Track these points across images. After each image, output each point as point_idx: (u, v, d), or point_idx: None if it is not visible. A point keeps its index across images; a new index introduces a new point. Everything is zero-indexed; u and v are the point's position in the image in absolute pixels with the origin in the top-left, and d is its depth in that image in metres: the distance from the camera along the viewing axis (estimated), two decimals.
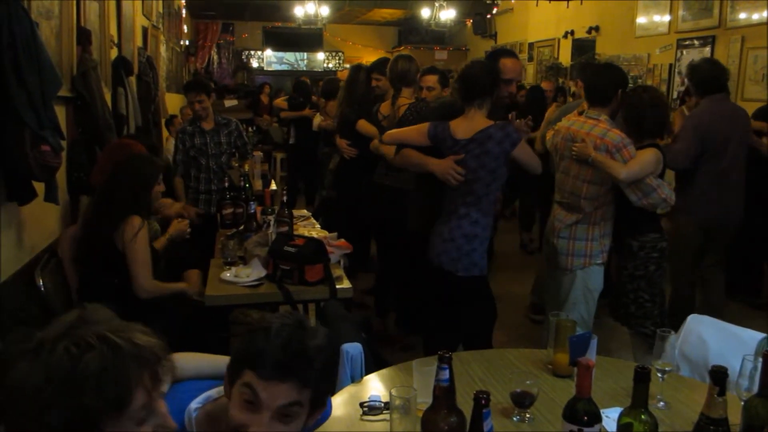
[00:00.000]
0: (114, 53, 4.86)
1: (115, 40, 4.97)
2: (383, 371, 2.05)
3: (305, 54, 15.10)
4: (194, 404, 1.53)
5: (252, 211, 3.71)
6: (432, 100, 4.02)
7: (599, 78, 3.18)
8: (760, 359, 1.54)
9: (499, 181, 2.91)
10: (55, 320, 1.06)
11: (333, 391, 1.85)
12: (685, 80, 4.48)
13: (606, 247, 3.12)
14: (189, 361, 1.69)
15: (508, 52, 3.26)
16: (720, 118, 3.87)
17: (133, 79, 5.24)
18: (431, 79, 4.03)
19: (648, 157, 2.99)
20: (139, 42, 6.05)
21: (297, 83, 8.61)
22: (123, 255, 2.88)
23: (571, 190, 3.13)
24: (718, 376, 1.38)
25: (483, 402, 1.41)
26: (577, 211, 3.11)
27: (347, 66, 13.94)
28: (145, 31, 6.53)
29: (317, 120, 6.62)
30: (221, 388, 1.54)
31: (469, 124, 2.86)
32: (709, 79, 3.92)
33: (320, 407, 1.48)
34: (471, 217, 2.88)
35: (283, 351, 1.34)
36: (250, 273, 3.00)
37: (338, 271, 3.11)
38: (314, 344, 1.39)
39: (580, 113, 3.39)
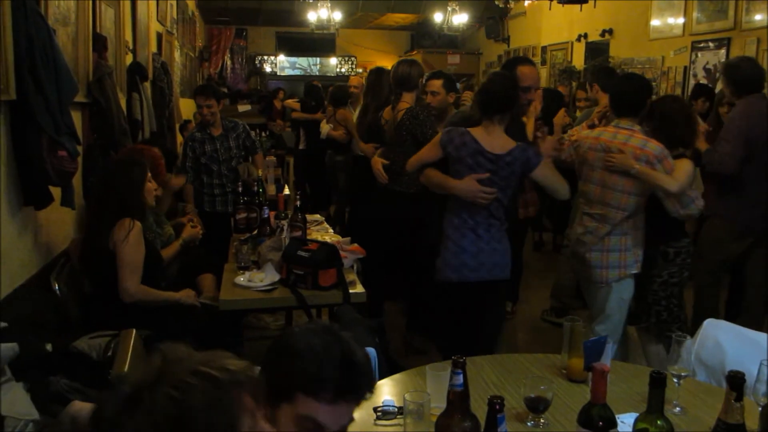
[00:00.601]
0: (129, 59, 4.90)
1: (130, 46, 5.02)
2: (397, 376, 2.05)
3: (318, 59, 15.15)
4: None
5: (265, 215, 3.73)
6: (432, 106, 4.00)
7: (629, 88, 3.13)
8: None
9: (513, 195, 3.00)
10: (137, 367, 1.05)
11: None
12: (720, 79, 4.20)
13: (639, 257, 3.07)
14: None
15: (525, 59, 3.26)
16: (762, 119, 3.75)
17: (147, 84, 5.28)
18: (435, 84, 3.99)
19: (689, 167, 2.96)
20: (153, 48, 6.10)
21: (308, 87, 8.59)
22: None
23: (605, 201, 3.06)
24: (735, 381, 1.37)
25: (497, 407, 1.41)
26: (611, 222, 3.06)
27: (359, 71, 13.97)
28: (159, 36, 6.58)
29: (325, 128, 6.50)
30: None
31: (493, 140, 2.82)
32: (750, 78, 3.82)
33: None
34: (501, 228, 2.93)
35: (341, 371, 1.29)
36: (264, 278, 3.01)
37: (351, 276, 3.11)
38: (362, 354, 1.35)
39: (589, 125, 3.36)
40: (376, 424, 1.75)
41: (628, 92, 3.11)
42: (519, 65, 3.08)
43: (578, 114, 5.28)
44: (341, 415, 1.31)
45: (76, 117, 3.27)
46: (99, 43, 3.74)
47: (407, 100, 3.99)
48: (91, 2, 3.64)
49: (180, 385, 0.97)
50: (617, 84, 3.30)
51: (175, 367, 1.00)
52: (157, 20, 6.45)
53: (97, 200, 3.02)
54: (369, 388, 1.35)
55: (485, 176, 2.79)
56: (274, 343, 1.39)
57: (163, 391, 0.96)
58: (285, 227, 3.40)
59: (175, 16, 7.77)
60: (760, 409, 1.58)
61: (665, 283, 3.14)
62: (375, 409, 1.79)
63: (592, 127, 3.53)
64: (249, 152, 4.58)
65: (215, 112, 4.31)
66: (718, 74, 6.42)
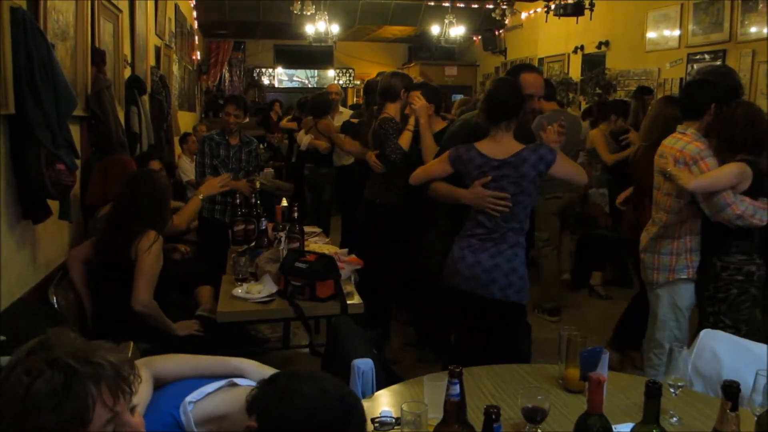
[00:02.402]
0: (127, 72, 4.92)
1: (129, 60, 5.04)
2: (394, 386, 2.06)
3: (316, 71, 15.22)
4: (190, 398, 1.57)
5: (263, 227, 3.73)
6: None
7: (694, 91, 3.16)
8: None
9: (533, 202, 2.83)
10: (19, 348, 1.12)
11: None
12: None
13: (694, 263, 3.07)
14: (168, 365, 1.72)
15: (529, 67, 3.22)
16: None
17: (146, 97, 5.29)
18: (413, 96, 4.04)
19: (727, 170, 2.88)
20: (152, 61, 6.12)
21: (300, 103, 8.50)
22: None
23: (657, 203, 3.14)
24: (731, 391, 1.37)
25: (493, 417, 1.41)
26: (659, 223, 3.10)
27: (357, 83, 14.01)
28: (157, 50, 6.61)
29: (306, 139, 6.16)
30: (217, 384, 1.63)
31: (499, 147, 2.76)
32: (736, 87, 3.70)
33: None
34: (521, 243, 2.79)
35: None
36: (262, 289, 3.01)
37: (349, 287, 3.12)
38: (364, 416, 1.46)
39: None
40: None
41: (692, 96, 3.15)
42: (523, 72, 3.03)
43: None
44: None
45: (75, 130, 3.28)
46: (98, 57, 3.76)
47: (390, 110, 4.04)
48: (89, 17, 3.66)
49: (32, 370, 1.06)
50: (685, 88, 3.32)
51: (41, 353, 1.08)
52: (156, 34, 6.48)
53: (126, 210, 2.99)
54: None
55: (487, 179, 2.72)
56: (280, 399, 1.39)
57: (16, 373, 1.06)
58: (283, 239, 3.41)
59: (173, 30, 7.81)
60: (755, 419, 1.59)
61: (712, 298, 3.04)
62: (373, 420, 1.78)
63: None
64: (249, 170, 4.63)
65: (240, 122, 4.50)
66: None
